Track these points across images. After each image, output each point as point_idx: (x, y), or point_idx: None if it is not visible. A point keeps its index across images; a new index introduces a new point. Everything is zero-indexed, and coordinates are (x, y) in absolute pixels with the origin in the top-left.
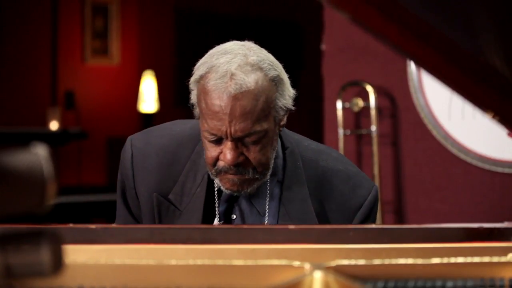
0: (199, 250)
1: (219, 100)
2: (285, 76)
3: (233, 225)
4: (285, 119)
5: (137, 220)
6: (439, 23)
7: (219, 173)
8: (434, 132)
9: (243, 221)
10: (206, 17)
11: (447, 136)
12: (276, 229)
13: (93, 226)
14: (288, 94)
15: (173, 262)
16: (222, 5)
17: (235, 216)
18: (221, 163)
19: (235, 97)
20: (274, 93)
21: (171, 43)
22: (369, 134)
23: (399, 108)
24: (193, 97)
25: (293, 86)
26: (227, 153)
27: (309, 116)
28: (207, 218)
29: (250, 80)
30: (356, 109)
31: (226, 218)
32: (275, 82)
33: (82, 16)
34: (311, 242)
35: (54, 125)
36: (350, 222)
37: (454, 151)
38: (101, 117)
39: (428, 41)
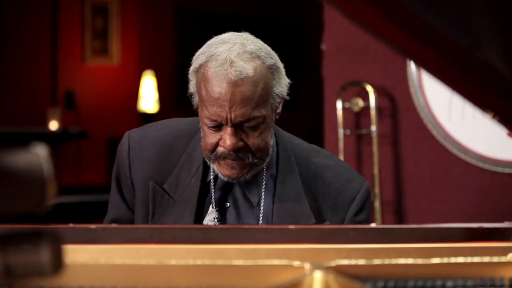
0: (199, 250)
1: (219, 87)
2: (281, 65)
3: (233, 225)
4: (280, 107)
5: (130, 208)
6: (439, 23)
7: (217, 158)
8: (434, 132)
9: (237, 210)
10: (206, 17)
11: (447, 136)
12: (276, 229)
13: (93, 226)
14: (284, 83)
15: (173, 262)
16: (222, 5)
17: (228, 204)
18: (220, 149)
19: (235, 84)
20: (271, 80)
21: (171, 43)
22: (369, 134)
23: (399, 108)
24: (192, 86)
25: (293, 86)
26: (227, 139)
27: (309, 116)
28: (201, 207)
29: (249, 67)
30: (356, 109)
31: (220, 206)
32: (272, 70)
33: (82, 16)
34: (311, 242)
35: (54, 125)
36: (344, 216)
37: (454, 151)
38: (101, 117)
39: (428, 41)
